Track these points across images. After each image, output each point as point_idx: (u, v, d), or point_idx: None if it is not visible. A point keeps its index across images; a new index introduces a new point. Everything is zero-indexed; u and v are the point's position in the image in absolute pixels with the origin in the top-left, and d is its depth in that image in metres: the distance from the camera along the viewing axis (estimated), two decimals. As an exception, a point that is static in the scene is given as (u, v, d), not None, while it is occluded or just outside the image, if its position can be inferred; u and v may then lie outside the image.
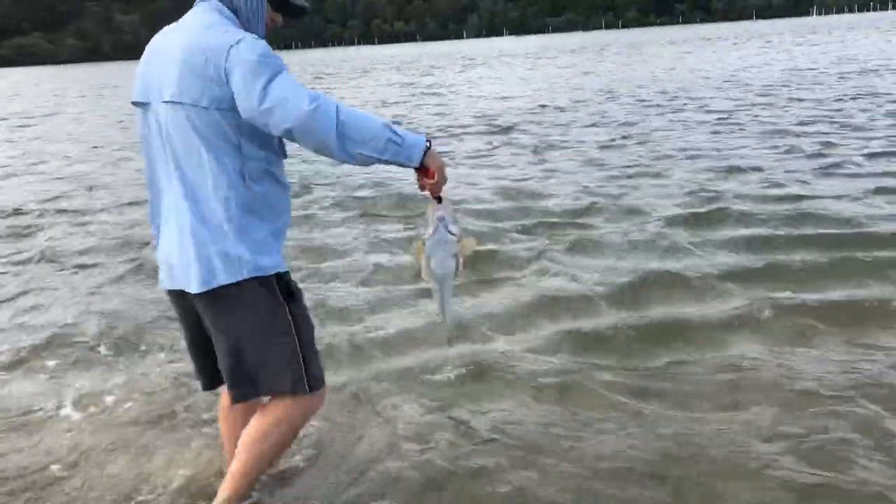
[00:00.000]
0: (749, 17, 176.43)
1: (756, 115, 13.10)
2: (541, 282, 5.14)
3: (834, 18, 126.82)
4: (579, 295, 4.79)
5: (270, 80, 2.16)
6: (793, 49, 35.60)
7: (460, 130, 13.82)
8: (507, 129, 13.48)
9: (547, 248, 5.85)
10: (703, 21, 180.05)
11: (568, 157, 10.28)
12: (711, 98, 16.39)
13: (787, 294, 4.56)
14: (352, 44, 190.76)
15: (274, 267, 2.35)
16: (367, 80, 32.94)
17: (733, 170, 8.50)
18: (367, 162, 2.25)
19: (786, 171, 8.28)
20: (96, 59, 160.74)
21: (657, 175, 8.59)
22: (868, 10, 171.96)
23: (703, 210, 6.76)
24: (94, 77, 60.73)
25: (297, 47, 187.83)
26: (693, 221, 6.41)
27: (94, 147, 14.65)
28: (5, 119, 22.90)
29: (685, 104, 15.57)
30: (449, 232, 2.46)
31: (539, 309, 4.62)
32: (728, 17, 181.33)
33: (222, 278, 2.28)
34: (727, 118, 12.98)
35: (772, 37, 54.40)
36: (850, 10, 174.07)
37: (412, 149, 2.26)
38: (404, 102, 20.75)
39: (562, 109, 16.18)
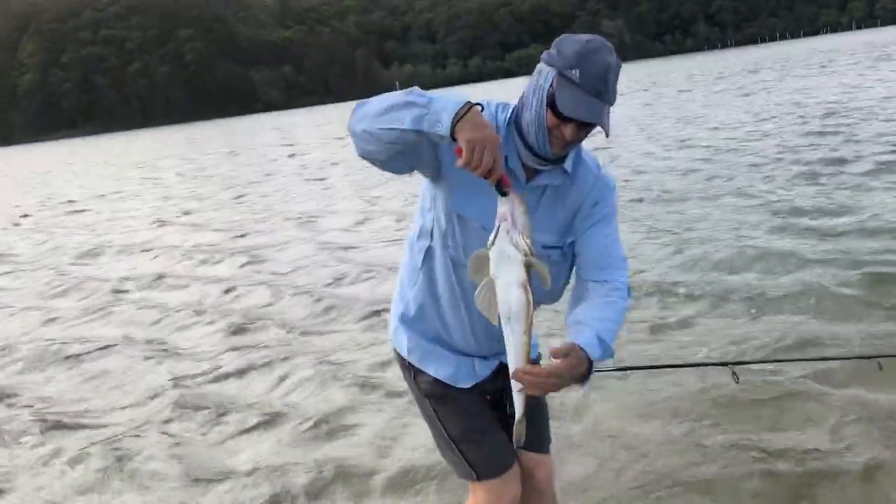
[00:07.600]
0: None
1: None
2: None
3: None
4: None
5: None
6: None
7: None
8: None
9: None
10: None
11: None
12: None
13: None
14: (849, 29, 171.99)
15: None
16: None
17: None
18: (390, 138, 1.77)
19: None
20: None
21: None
22: None
23: None
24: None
25: (783, 38, 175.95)
26: None
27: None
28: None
29: None
30: (512, 243, 1.68)
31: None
32: None
33: None
34: None
35: None
36: None
37: (440, 113, 1.69)
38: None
39: None
